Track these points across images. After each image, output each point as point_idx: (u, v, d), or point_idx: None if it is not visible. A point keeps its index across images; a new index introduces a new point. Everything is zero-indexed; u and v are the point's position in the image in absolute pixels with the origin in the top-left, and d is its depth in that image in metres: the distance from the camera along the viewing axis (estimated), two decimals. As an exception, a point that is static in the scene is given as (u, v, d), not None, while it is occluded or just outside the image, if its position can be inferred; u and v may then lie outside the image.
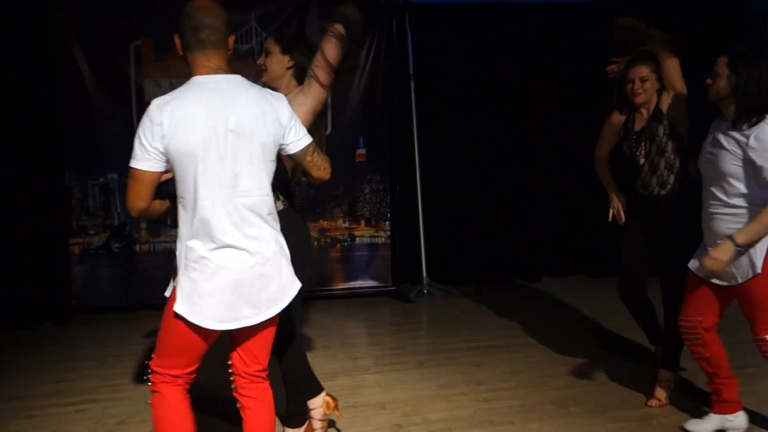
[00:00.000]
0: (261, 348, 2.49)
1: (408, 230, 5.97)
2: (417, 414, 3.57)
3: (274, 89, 2.65)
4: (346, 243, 5.87)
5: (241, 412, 2.52)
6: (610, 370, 4.07)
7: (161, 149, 2.22)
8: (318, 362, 4.31)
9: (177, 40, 2.38)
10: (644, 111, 3.53)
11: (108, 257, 5.47)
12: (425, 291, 5.92)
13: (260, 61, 3.09)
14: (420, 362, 4.32)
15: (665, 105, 3.46)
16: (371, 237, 5.90)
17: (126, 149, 2.34)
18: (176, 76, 5.37)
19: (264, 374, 2.53)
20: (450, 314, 5.37)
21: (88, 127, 5.29)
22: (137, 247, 5.49)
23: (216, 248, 2.28)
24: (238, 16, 5.44)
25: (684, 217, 3.44)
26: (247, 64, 5.44)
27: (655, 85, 3.47)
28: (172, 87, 5.83)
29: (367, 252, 5.92)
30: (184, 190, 2.28)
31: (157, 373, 2.41)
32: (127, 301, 5.46)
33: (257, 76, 5.83)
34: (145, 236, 5.49)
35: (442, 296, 5.87)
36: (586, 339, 4.72)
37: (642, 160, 3.50)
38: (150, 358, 2.45)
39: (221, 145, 2.26)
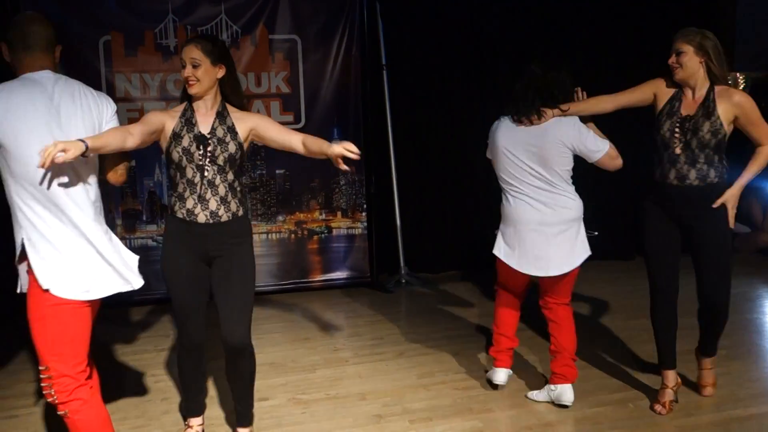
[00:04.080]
0: None
1: (384, 220, 5.98)
2: (397, 404, 3.60)
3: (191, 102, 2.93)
4: (323, 235, 5.86)
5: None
6: (587, 356, 4.12)
7: None
8: (298, 354, 4.33)
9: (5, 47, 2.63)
10: (689, 93, 3.28)
11: (83, 255, 5.40)
12: (403, 281, 5.93)
13: (187, 73, 2.85)
14: (400, 352, 4.34)
15: (725, 104, 3.20)
16: (348, 228, 5.91)
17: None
18: (147, 70, 5.32)
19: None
20: (428, 303, 5.40)
21: (58, 124, 5.22)
22: (112, 244, 5.43)
23: None
24: (208, 8, 5.39)
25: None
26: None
27: (697, 64, 3.20)
28: (143, 81, 5.81)
29: (345, 243, 5.92)
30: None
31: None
32: (103, 298, 5.40)
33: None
34: (120, 233, 5.43)
35: (420, 286, 5.89)
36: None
37: (679, 150, 3.27)
38: None
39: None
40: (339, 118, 5.75)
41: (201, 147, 2.86)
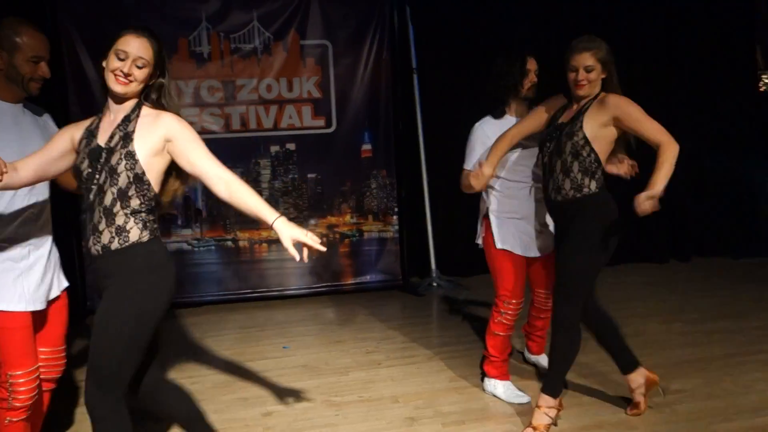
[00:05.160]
0: None
1: (416, 224, 5.99)
2: (430, 407, 3.60)
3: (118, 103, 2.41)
4: (354, 238, 5.89)
5: None
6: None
7: None
8: (331, 356, 4.37)
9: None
10: (576, 105, 3.22)
11: (120, 259, 5.49)
12: (434, 284, 5.94)
13: (128, 69, 2.36)
14: (431, 355, 4.34)
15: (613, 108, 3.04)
16: (379, 232, 5.93)
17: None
18: (181, 77, 5.41)
19: None
20: (459, 306, 5.39)
21: (96, 130, 5.32)
22: (148, 248, 5.52)
23: None
24: (241, 15, 5.47)
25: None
26: (250, 63, 5.48)
27: (600, 77, 3.13)
28: (178, 88, 5.90)
29: (376, 247, 5.95)
30: None
31: None
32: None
33: (262, 74, 5.86)
34: (155, 237, 5.52)
35: (451, 289, 5.89)
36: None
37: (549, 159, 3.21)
38: None
39: None
40: (370, 122, 5.78)
41: (92, 162, 2.29)
